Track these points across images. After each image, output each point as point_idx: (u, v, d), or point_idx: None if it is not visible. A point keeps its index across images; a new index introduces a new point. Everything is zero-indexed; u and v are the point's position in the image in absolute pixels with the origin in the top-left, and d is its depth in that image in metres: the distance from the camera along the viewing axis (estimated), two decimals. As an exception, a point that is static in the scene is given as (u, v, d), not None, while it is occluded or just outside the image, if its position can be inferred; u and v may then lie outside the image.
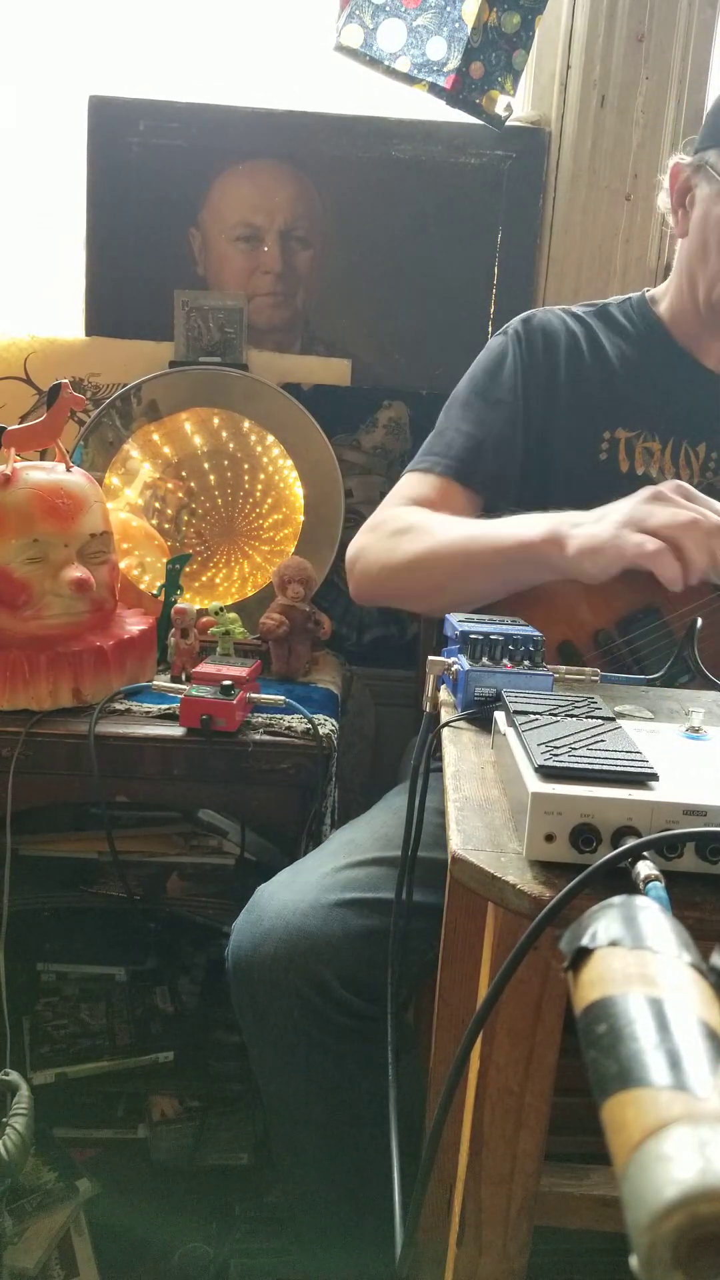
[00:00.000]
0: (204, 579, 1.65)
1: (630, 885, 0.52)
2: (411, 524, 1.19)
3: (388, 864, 1.05)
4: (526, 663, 0.85)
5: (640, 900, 0.43)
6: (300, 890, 1.02)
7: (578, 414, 1.25)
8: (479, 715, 0.81)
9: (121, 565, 1.41)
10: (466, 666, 0.83)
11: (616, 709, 0.84)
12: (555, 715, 0.70)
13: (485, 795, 0.67)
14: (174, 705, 1.23)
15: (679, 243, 1.24)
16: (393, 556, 1.19)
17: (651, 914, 0.42)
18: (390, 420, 1.69)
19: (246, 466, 1.64)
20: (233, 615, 1.37)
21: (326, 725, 1.25)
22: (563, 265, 1.67)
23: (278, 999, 0.97)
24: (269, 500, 1.64)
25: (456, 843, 0.60)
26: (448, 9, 1.47)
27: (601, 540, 0.98)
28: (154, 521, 1.61)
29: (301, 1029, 0.97)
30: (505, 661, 0.85)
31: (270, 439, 1.63)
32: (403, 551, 1.17)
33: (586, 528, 1.01)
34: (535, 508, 1.21)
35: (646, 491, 1.00)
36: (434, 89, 1.50)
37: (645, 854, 0.54)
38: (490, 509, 1.26)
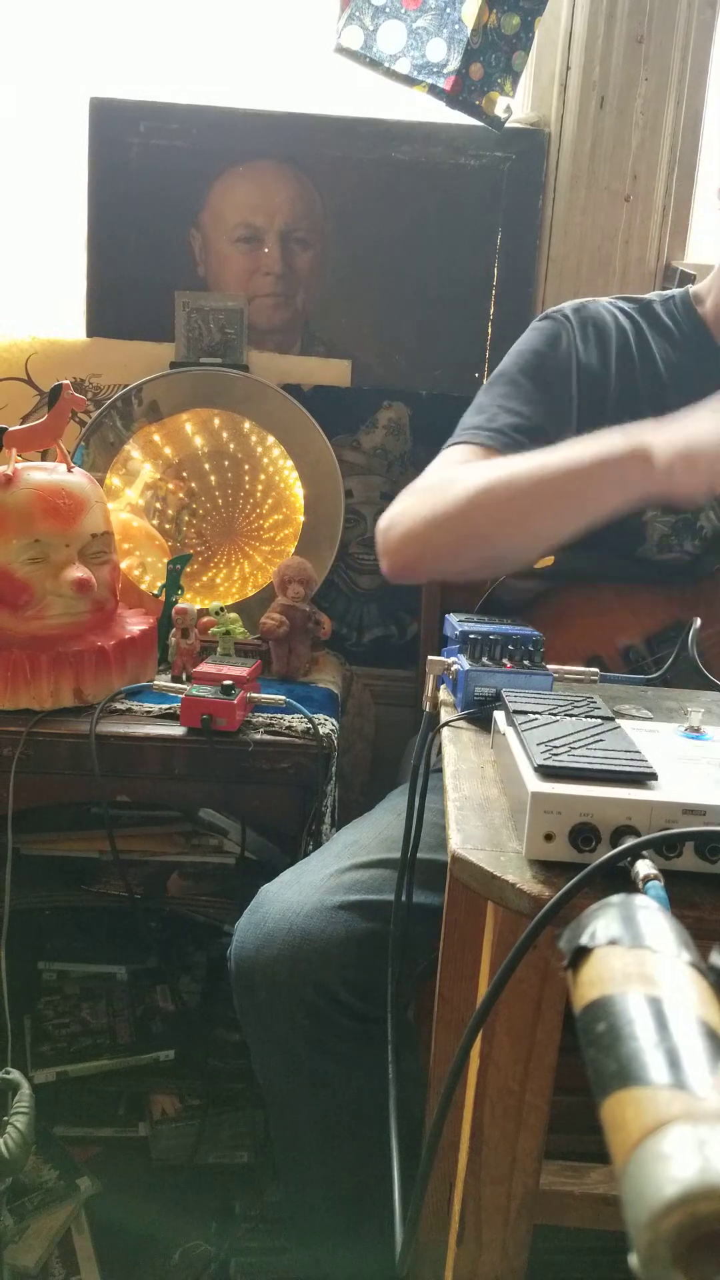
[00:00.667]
0: (204, 579, 1.65)
1: (629, 884, 0.52)
2: (457, 475, 1.06)
3: (392, 865, 1.05)
4: (526, 663, 0.86)
5: (639, 899, 0.43)
6: (304, 891, 1.02)
7: (624, 415, 1.16)
8: (479, 715, 0.82)
9: (122, 565, 1.41)
10: (466, 666, 0.84)
11: (616, 709, 0.84)
12: (555, 715, 0.70)
13: (485, 795, 0.67)
14: (175, 705, 1.24)
15: None
16: (439, 504, 1.05)
17: (650, 913, 0.42)
18: (390, 421, 1.69)
19: (247, 467, 1.64)
20: (233, 615, 1.37)
21: (326, 725, 1.25)
22: (562, 266, 1.67)
23: (280, 1001, 0.97)
24: (269, 500, 1.65)
25: (456, 842, 0.60)
26: (448, 10, 1.47)
27: (701, 441, 0.87)
28: (155, 522, 1.61)
29: (304, 1031, 0.97)
30: (505, 661, 0.86)
31: (270, 439, 1.63)
32: (453, 496, 1.03)
33: (675, 431, 0.90)
34: None
35: None
36: (434, 90, 1.50)
37: (644, 853, 0.54)
38: None
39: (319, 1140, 1.05)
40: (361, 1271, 1.04)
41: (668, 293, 1.27)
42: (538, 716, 0.70)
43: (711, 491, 0.88)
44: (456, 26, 1.47)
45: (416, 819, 0.86)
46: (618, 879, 0.53)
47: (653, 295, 1.27)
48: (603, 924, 0.42)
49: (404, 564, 1.11)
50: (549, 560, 1.20)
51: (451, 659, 0.87)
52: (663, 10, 1.58)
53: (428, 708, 0.86)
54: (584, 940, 0.41)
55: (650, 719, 0.82)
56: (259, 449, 1.64)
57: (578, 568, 1.20)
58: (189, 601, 1.42)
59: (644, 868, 0.52)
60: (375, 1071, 0.96)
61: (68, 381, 1.29)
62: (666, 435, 0.90)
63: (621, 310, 1.24)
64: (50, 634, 1.23)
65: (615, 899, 0.43)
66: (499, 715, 0.74)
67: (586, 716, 0.70)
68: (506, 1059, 0.67)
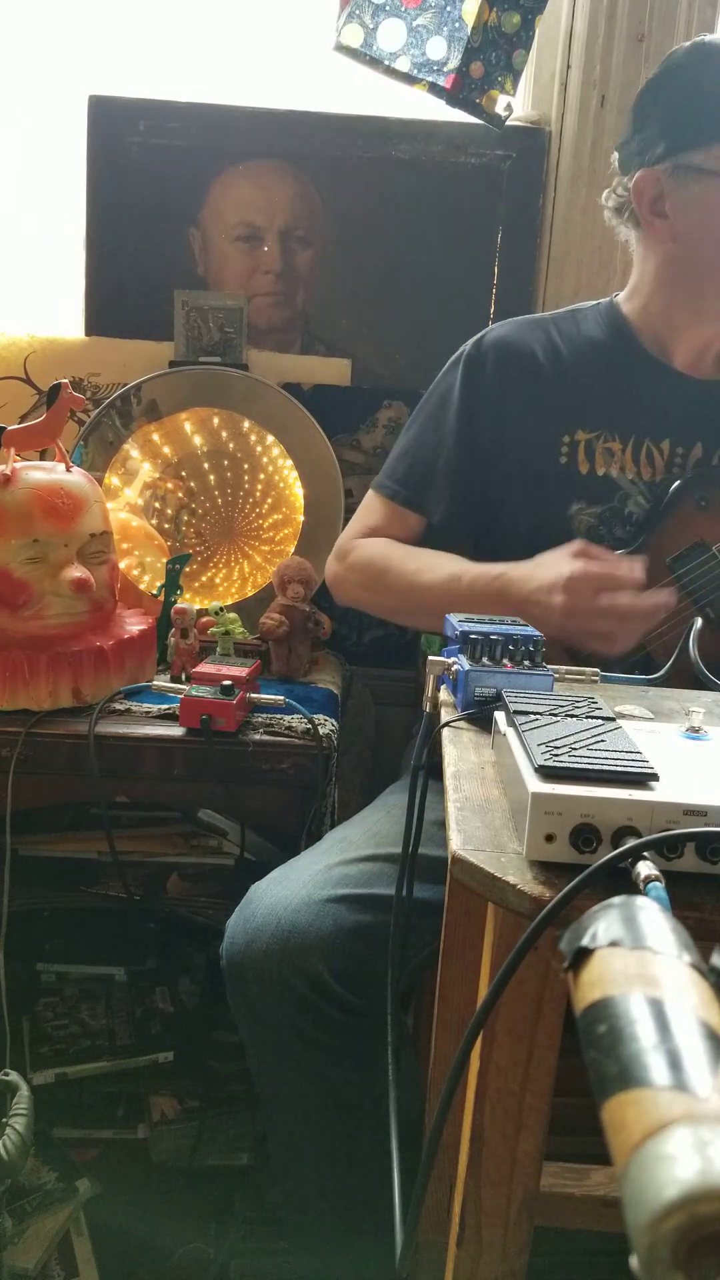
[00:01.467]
0: (204, 579, 1.65)
1: (630, 885, 0.52)
2: (386, 570, 1.28)
3: (381, 860, 1.06)
4: (526, 663, 0.85)
5: (640, 900, 0.43)
6: (292, 886, 1.03)
7: (534, 421, 1.27)
8: (479, 715, 0.81)
9: (121, 565, 1.41)
10: (466, 666, 0.83)
11: (616, 709, 0.84)
12: (555, 715, 0.70)
13: (485, 795, 0.67)
14: (174, 705, 1.23)
15: (640, 251, 1.26)
16: (372, 600, 1.33)
17: (652, 914, 0.42)
18: (390, 420, 1.69)
19: (246, 466, 1.64)
20: (233, 615, 1.37)
21: (326, 725, 1.25)
22: (563, 265, 1.67)
23: (270, 994, 0.97)
24: (269, 500, 1.64)
25: (457, 843, 0.60)
26: (448, 9, 1.47)
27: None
28: (154, 521, 1.61)
29: (294, 1024, 0.97)
30: (505, 661, 0.85)
31: (270, 439, 1.63)
32: (381, 600, 1.32)
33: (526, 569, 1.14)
34: (496, 517, 1.29)
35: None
36: (434, 89, 1.50)
37: (645, 854, 0.54)
38: (444, 526, 1.32)
39: (312, 1137, 1.05)
40: (362, 1273, 1.04)
41: (593, 302, 1.35)
42: (538, 717, 0.69)
43: (552, 618, 1.06)
44: (457, 24, 1.47)
45: (416, 818, 0.86)
46: (619, 880, 0.53)
47: (580, 304, 1.36)
48: (604, 925, 0.42)
49: (339, 601, 1.38)
50: None
51: (451, 659, 0.87)
52: (663, 8, 1.58)
53: (428, 708, 0.86)
54: (585, 941, 0.41)
55: (651, 719, 0.82)
56: (258, 448, 1.64)
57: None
58: (188, 601, 1.42)
59: (645, 869, 0.52)
60: (367, 1067, 0.97)
61: (66, 380, 1.29)
62: (520, 572, 1.12)
63: (532, 323, 1.33)
64: (49, 634, 1.23)
65: (616, 900, 0.43)
66: (499, 716, 0.74)
67: (587, 717, 0.70)
68: (507, 1060, 0.67)
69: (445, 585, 1.20)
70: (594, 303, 1.34)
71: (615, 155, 1.26)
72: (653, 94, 1.19)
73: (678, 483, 1.24)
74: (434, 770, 0.79)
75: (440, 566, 1.24)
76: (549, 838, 0.56)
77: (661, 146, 1.16)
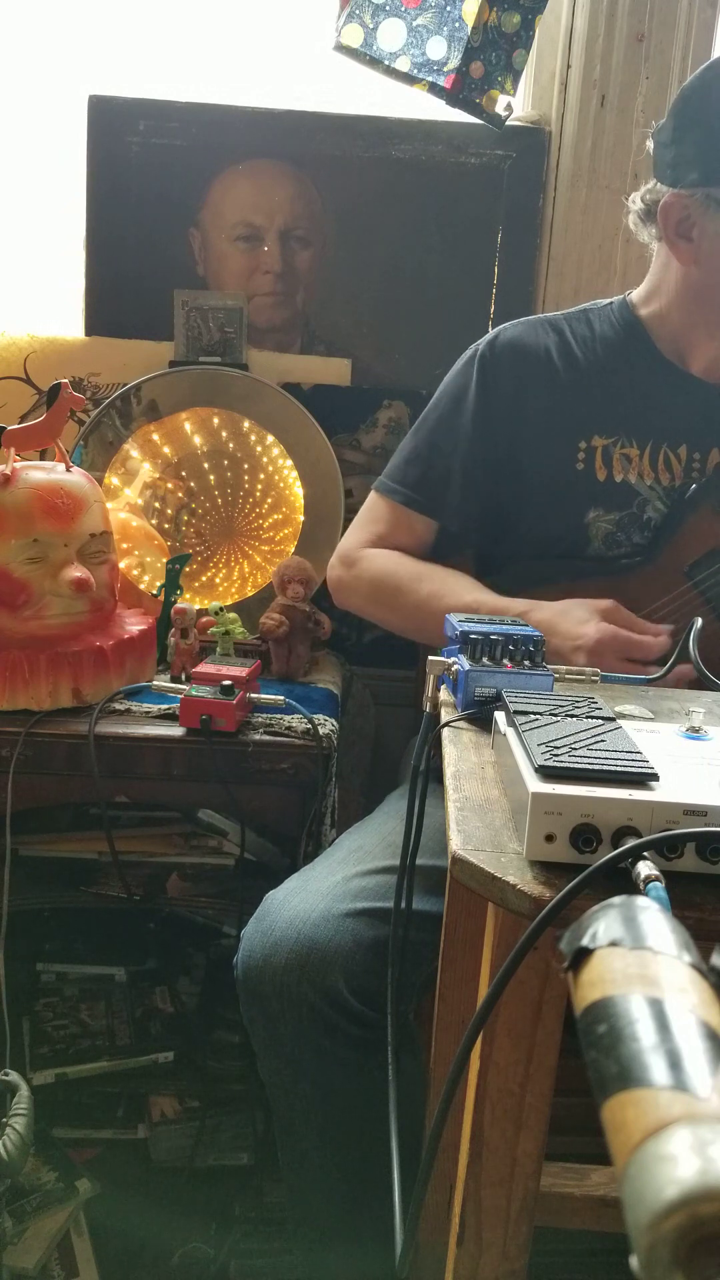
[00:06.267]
0: (204, 579, 1.65)
1: (630, 885, 0.52)
2: (398, 590, 1.27)
3: (398, 871, 1.05)
4: (526, 663, 0.85)
5: (640, 900, 0.43)
6: (311, 899, 1.02)
7: (550, 427, 1.25)
8: (479, 715, 0.81)
9: (121, 565, 1.41)
10: (466, 666, 0.83)
11: (616, 709, 0.84)
12: (555, 715, 0.70)
13: (485, 795, 0.67)
14: (174, 705, 1.23)
15: (662, 258, 1.23)
16: (378, 614, 1.33)
17: (652, 914, 0.42)
18: (390, 420, 1.69)
19: (246, 466, 1.64)
20: (233, 615, 1.37)
21: (326, 725, 1.25)
22: (563, 265, 1.67)
23: (289, 1009, 0.97)
24: (269, 500, 1.64)
25: (456, 843, 0.60)
26: (448, 8, 1.47)
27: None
28: (154, 521, 1.61)
29: (311, 1039, 0.97)
30: (505, 661, 0.85)
31: (270, 439, 1.63)
32: (387, 617, 1.32)
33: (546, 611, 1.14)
34: (511, 524, 1.27)
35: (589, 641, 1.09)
36: (434, 89, 1.50)
37: (645, 854, 0.54)
38: (458, 532, 1.31)
39: (323, 1144, 1.05)
40: (362, 1273, 1.04)
41: (607, 300, 1.33)
42: (538, 717, 0.69)
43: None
44: (457, 24, 1.47)
45: (417, 823, 0.86)
46: (619, 880, 0.53)
47: (594, 303, 1.34)
48: (604, 925, 0.42)
49: (340, 605, 1.38)
50: None
51: (451, 659, 0.87)
52: (663, 8, 1.58)
53: (428, 708, 0.86)
54: (585, 941, 0.41)
55: (651, 719, 0.82)
56: (258, 448, 1.64)
57: (526, 577, 1.24)
58: (188, 601, 1.42)
59: (645, 869, 0.52)
60: (379, 1077, 0.96)
61: (66, 380, 1.29)
62: (541, 615, 1.12)
63: (546, 324, 1.30)
64: (49, 634, 1.23)
65: (616, 900, 0.43)
66: (499, 716, 0.74)
67: (587, 717, 0.70)
68: (507, 1060, 0.67)
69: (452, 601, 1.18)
70: (606, 302, 1.32)
71: (649, 143, 1.19)
72: (698, 105, 1.11)
73: (694, 487, 1.23)
74: (441, 775, 0.79)
75: (456, 591, 1.21)
76: (549, 838, 0.56)
77: (696, 174, 1.11)
